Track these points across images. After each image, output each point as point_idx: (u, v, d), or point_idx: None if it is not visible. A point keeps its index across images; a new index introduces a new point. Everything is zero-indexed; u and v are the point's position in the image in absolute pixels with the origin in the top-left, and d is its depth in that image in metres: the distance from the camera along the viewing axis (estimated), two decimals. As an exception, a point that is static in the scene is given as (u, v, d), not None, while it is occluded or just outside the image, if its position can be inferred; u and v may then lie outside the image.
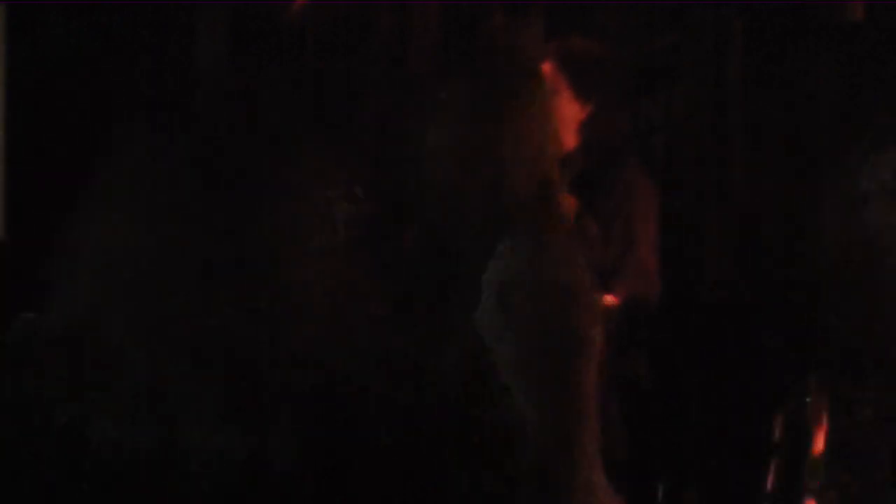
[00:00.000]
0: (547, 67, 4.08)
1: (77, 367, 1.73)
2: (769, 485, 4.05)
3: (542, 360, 2.34)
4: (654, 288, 4.09)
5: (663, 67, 5.39)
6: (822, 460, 3.97)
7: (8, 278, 4.46)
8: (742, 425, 4.82)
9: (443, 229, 2.36)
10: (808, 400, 4.05)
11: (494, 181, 2.36)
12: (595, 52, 4.23)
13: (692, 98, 5.30)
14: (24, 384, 1.75)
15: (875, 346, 3.84)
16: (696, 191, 5.26)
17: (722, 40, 5.17)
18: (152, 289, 1.71)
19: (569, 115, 4.10)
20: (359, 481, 1.69)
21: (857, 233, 3.44)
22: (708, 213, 5.23)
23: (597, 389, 2.44)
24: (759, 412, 4.30)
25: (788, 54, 5.13)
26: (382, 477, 1.71)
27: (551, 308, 2.36)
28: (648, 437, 4.32)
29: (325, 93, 5.00)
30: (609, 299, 3.84)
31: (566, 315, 2.36)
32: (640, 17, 5.35)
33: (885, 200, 2.35)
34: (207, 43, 4.99)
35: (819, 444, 3.98)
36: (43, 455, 1.71)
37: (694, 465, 4.92)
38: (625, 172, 4.17)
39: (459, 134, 2.35)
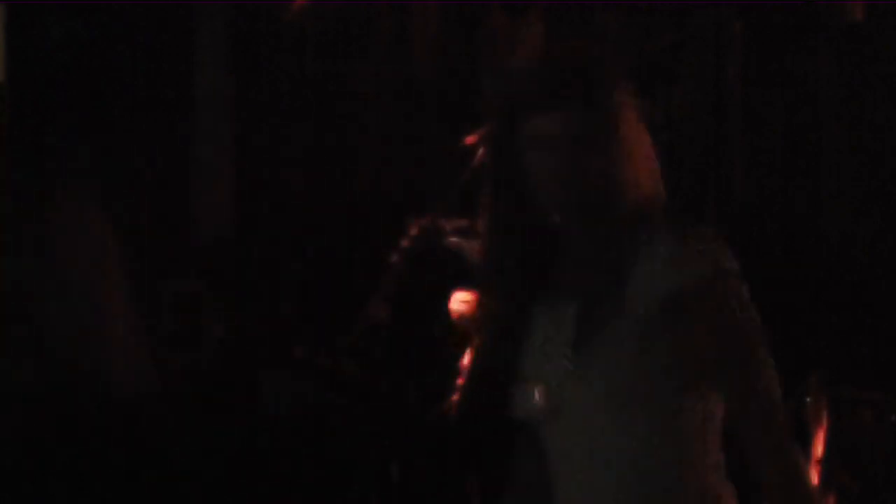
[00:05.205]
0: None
1: None
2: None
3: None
4: None
5: (663, 67, 5.38)
6: (822, 460, 3.97)
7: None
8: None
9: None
10: (808, 400, 4.05)
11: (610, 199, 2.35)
12: (595, 52, 4.22)
13: (692, 98, 5.29)
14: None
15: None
16: (696, 191, 5.25)
17: (722, 40, 5.17)
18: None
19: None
20: None
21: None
22: (708, 213, 5.23)
23: None
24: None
25: (788, 54, 5.13)
26: None
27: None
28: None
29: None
30: None
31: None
32: (640, 17, 5.35)
33: None
34: (207, 43, 4.99)
35: (819, 444, 3.97)
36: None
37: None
38: None
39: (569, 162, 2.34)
